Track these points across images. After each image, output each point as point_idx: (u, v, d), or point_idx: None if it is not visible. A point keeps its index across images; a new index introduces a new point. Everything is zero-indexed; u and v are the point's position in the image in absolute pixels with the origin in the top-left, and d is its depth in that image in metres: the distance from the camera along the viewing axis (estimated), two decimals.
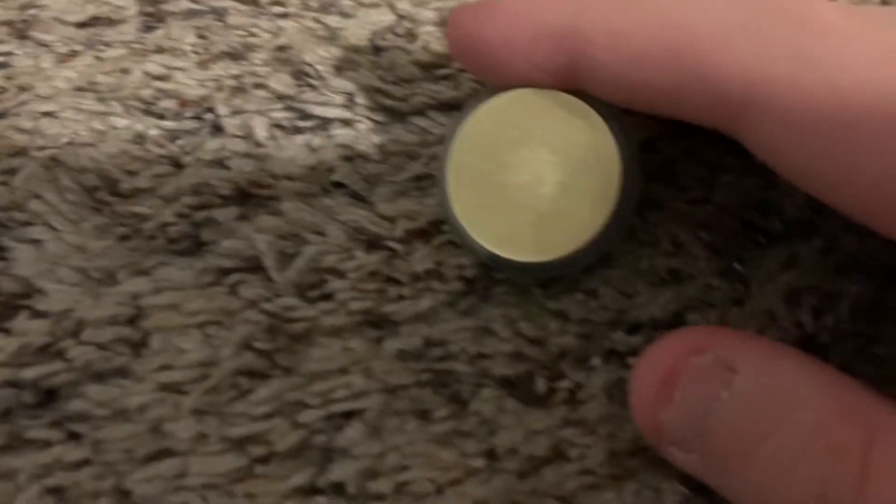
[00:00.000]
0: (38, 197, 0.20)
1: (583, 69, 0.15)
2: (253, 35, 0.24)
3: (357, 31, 0.24)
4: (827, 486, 0.13)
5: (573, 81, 0.15)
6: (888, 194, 0.12)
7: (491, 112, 0.17)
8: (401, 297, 0.19)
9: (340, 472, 0.17)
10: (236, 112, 0.22)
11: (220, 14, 0.24)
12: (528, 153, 0.17)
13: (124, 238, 0.20)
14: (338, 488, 0.17)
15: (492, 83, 0.16)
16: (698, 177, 0.21)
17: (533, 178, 0.17)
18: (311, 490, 0.17)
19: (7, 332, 0.19)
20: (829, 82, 0.12)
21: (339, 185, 0.21)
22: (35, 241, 0.20)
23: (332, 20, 0.24)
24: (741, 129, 0.14)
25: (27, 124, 0.21)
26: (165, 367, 0.18)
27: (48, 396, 0.19)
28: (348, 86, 0.23)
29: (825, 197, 0.14)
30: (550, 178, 0.17)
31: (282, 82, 0.23)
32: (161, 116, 0.22)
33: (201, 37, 0.24)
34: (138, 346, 0.19)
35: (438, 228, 0.21)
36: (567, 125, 0.17)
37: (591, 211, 0.17)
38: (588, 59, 0.14)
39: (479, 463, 0.18)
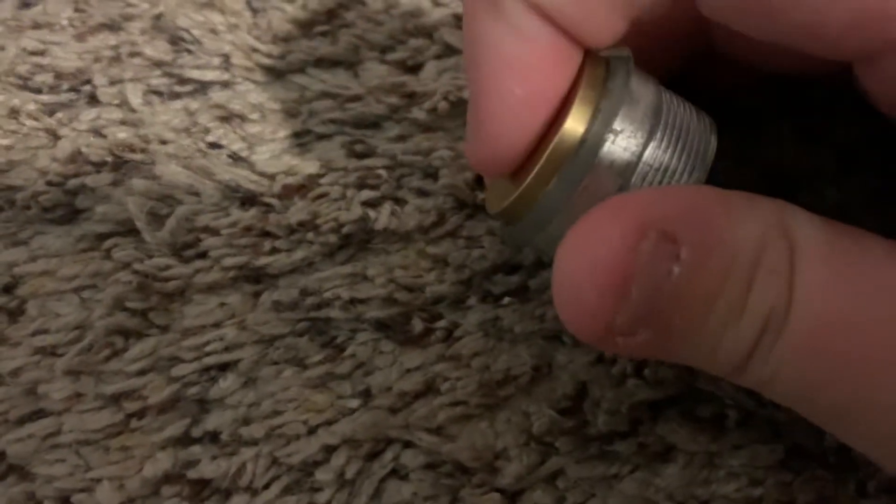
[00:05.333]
0: None
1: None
2: (130, 5, 0.25)
3: None
4: (769, 313, 0.13)
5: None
6: None
7: None
8: (275, 250, 0.20)
9: (215, 421, 0.18)
10: (114, 82, 0.23)
11: None
12: None
13: None
14: (213, 437, 0.18)
15: None
16: None
17: None
18: (187, 440, 0.18)
19: None
20: None
21: (217, 146, 0.22)
22: None
23: None
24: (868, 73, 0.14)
25: None
26: (40, 332, 0.19)
27: None
28: (225, 48, 0.24)
29: None
30: None
31: (159, 49, 0.24)
32: (38, 91, 0.23)
33: (78, 10, 0.25)
34: (14, 314, 0.20)
35: (316, 182, 0.22)
36: None
37: None
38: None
39: (353, 403, 0.19)
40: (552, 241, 0.15)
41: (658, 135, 0.15)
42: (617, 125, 0.15)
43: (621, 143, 0.15)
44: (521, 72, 0.16)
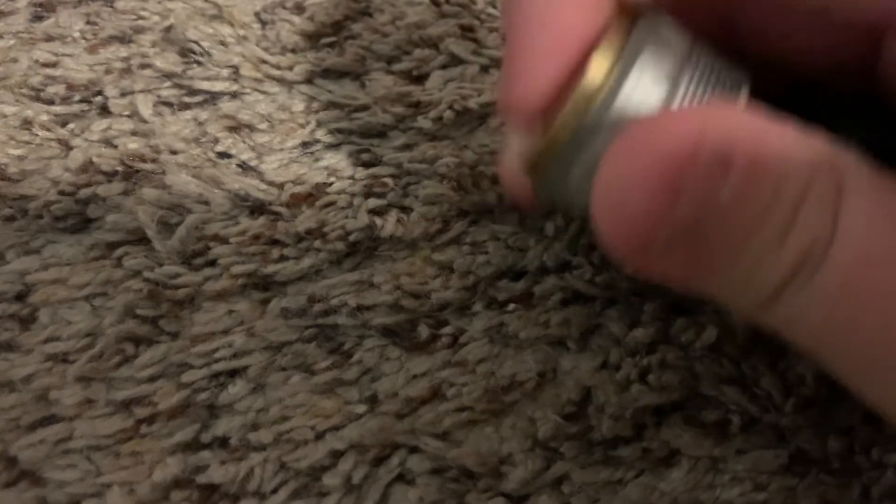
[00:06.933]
0: None
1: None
2: (141, 18, 0.25)
3: (245, 6, 0.26)
4: (811, 244, 0.13)
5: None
6: None
7: None
8: (283, 258, 0.21)
9: (224, 426, 0.19)
10: (124, 93, 0.24)
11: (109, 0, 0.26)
12: None
13: (10, 219, 0.21)
14: (222, 442, 0.19)
15: None
16: None
17: None
18: (196, 445, 0.19)
19: None
20: None
21: (226, 155, 0.23)
22: None
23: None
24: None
25: None
26: (52, 339, 0.20)
27: None
28: (234, 59, 0.24)
29: None
30: None
31: (169, 61, 0.24)
32: (50, 102, 0.24)
33: (90, 23, 0.25)
34: (27, 321, 0.20)
35: (323, 191, 0.22)
36: None
37: None
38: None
39: (360, 409, 0.19)
40: (592, 164, 0.14)
41: (694, 58, 0.15)
42: (656, 34, 0.15)
43: (664, 51, 0.15)
44: (555, 9, 0.16)
